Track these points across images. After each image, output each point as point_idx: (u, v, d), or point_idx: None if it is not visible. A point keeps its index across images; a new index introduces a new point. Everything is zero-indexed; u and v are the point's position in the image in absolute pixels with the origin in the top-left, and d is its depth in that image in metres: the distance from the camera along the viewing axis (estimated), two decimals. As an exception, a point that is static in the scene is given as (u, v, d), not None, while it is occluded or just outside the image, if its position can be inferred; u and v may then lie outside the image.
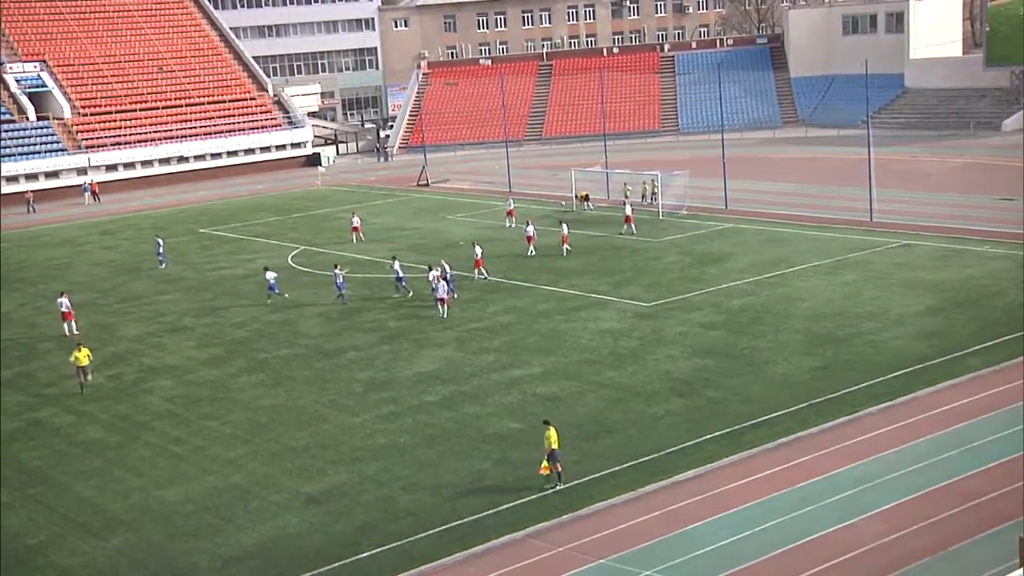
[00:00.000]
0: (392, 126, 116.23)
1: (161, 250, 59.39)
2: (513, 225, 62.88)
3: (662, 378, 35.00)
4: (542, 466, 27.08)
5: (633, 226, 58.98)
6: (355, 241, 62.02)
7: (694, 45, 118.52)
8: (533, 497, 26.60)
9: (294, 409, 34.45)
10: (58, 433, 33.70)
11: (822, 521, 24.41)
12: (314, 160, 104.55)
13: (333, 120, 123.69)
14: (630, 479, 27.30)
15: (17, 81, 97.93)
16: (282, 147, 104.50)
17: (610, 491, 26.67)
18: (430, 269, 47.23)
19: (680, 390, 33.72)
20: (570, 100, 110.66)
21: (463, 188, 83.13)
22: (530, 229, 55.99)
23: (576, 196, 68.98)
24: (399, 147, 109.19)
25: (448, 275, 46.30)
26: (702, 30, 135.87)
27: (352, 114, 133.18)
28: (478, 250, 51.13)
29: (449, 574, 23.34)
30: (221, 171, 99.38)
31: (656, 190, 67.13)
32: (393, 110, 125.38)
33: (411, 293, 47.63)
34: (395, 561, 23.87)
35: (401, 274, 48.36)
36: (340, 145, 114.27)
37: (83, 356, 37.21)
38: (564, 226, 56.11)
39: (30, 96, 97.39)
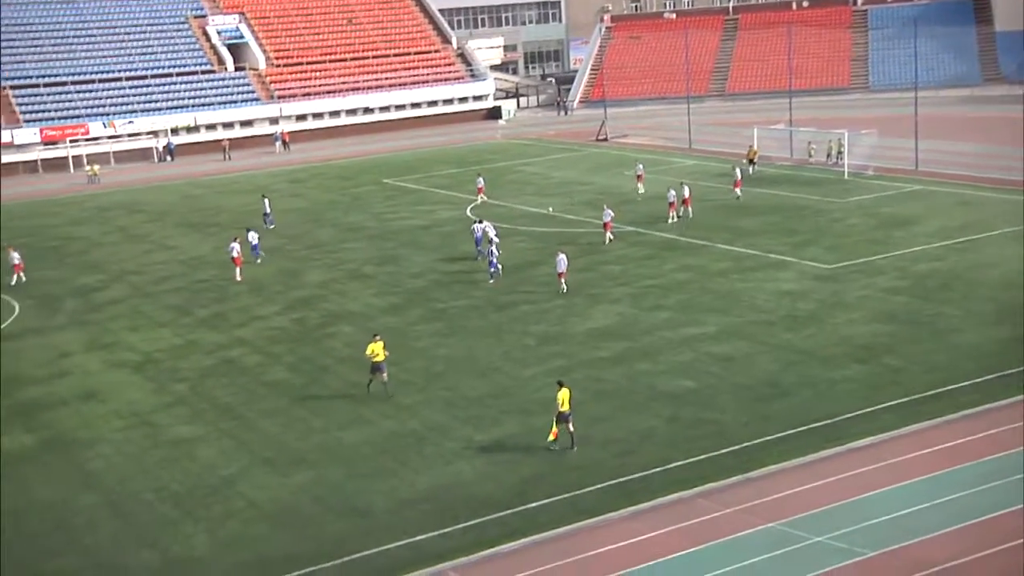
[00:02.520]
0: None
1: (268, 211, 59.09)
2: (643, 190, 60.95)
3: (841, 342, 34.11)
4: (552, 431, 27.01)
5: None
6: (478, 202, 60.85)
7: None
8: (703, 457, 26.47)
9: (468, 359, 35.13)
10: (247, 372, 35.37)
11: (1006, 498, 23.39)
12: (495, 113, 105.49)
13: (515, 73, 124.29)
14: (803, 443, 26.82)
15: (218, 32, 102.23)
16: (464, 100, 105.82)
17: (782, 455, 26.29)
18: (479, 221, 48.36)
19: (859, 355, 32.80)
20: (755, 55, 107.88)
21: (642, 144, 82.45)
22: (671, 195, 53.38)
23: (746, 156, 66.35)
24: (579, 101, 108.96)
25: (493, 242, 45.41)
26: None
27: (534, 67, 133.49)
28: (609, 213, 49.78)
29: (615, 528, 23.52)
30: (404, 123, 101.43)
31: (842, 149, 65.07)
32: (575, 64, 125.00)
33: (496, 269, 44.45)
34: (562, 512, 24.20)
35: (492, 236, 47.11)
36: (521, 99, 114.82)
37: (379, 349, 31.93)
38: (686, 188, 54.38)
39: (229, 47, 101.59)
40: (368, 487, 26.18)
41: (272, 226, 57.72)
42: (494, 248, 44.63)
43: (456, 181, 70.46)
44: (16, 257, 49.54)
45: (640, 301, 40.20)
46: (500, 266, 44.36)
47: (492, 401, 31.18)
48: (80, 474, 27.95)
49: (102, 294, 46.87)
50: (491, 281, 43.76)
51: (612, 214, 50.10)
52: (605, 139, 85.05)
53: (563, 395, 27.32)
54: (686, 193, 53.98)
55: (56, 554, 23.87)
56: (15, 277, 49.11)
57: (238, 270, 47.51)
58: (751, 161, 65.50)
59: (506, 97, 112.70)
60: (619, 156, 76.59)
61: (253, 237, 50.80)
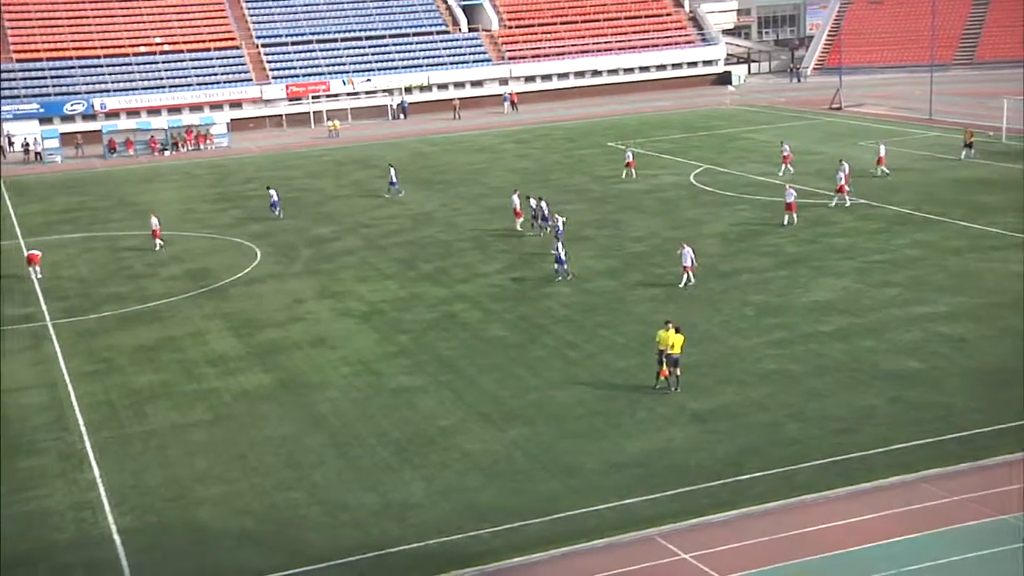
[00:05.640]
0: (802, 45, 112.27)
1: (394, 180, 59.04)
2: (791, 171, 57.75)
3: (1088, 331, 31.95)
4: (662, 369, 29.12)
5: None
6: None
7: None
8: (929, 440, 25.41)
9: (686, 326, 34.52)
10: (467, 327, 36.27)
11: None
12: (724, 79, 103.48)
13: (747, 38, 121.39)
14: (1040, 435, 25.36)
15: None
16: (693, 64, 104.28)
17: (1018, 444, 24.91)
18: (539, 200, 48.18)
19: (1109, 346, 30.66)
20: (1013, 20, 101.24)
21: (878, 113, 79.15)
22: (841, 176, 49.93)
23: (964, 139, 60.87)
24: (813, 68, 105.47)
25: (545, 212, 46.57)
26: None
27: (767, 32, 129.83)
28: (791, 193, 46.94)
29: (831, 507, 22.90)
30: (632, 86, 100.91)
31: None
32: (811, 29, 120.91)
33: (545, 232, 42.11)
34: (776, 487, 23.77)
35: (545, 213, 47.42)
36: (752, 64, 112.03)
37: (672, 339, 29.18)
38: (846, 166, 51.08)
39: (464, 8, 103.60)
40: (579, 447, 26.45)
41: (401, 194, 58.42)
42: (560, 243, 41.68)
43: (681, 147, 69.66)
44: (155, 222, 49.59)
45: (867, 276, 38.78)
46: (567, 266, 40.90)
47: (708, 370, 30.85)
48: (310, 415, 29.45)
49: (335, 244, 48.99)
50: (558, 279, 40.69)
51: (795, 194, 47.36)
52: (839, 108, 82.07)
53: (676, 339, 28.96)
54: (846, 171, 50.85)
55: (287, 487, 25.29)
56: (157, 243, 49.10)
57: (519, 222, 48.73)
58: (968, 144, 60.14)
59: (737, 62, 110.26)
60: (853, 126, 73.79)
61: (273, 194, 54.79)
